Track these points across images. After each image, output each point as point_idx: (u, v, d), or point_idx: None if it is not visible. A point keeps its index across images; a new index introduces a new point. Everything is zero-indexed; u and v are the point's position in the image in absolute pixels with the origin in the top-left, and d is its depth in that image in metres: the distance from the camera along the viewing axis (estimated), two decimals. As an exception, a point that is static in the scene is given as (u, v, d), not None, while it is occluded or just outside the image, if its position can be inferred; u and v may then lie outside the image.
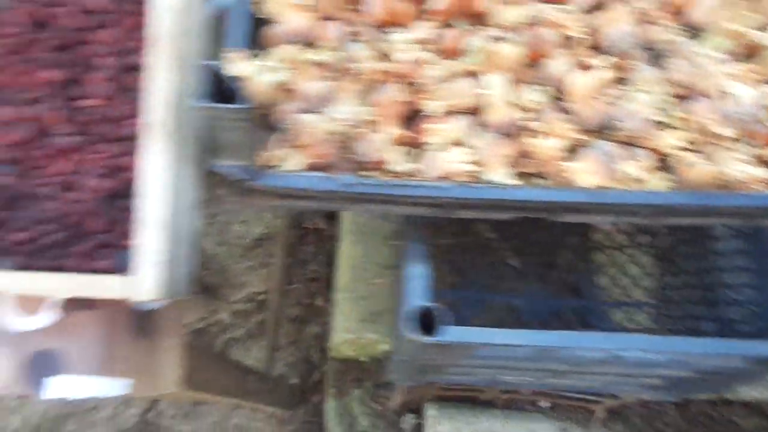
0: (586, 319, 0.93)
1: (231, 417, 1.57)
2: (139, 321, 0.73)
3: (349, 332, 1.41)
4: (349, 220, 1.52)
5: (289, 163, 0.63)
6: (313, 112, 0.64)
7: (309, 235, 1.69)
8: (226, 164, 0.61)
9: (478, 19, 0.69)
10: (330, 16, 0.68)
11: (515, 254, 0.91)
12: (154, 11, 0.61)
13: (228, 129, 0.57)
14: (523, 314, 0.90)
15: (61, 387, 0.66)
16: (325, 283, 1.65)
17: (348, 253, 1.47)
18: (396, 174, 0.64)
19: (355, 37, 0.67)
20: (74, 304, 0.68)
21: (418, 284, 0.60)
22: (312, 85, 0.64)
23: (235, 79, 0.54)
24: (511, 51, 0.65)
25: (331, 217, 1.66)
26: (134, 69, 0.68)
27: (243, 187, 0.63)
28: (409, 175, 0.65)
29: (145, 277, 0.59)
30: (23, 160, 0.68)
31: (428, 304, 0.58)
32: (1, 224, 0.67)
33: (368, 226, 1.50)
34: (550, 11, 0.68)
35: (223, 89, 0.53)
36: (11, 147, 0.68)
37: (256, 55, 0.64)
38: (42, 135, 0.68)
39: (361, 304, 1.43)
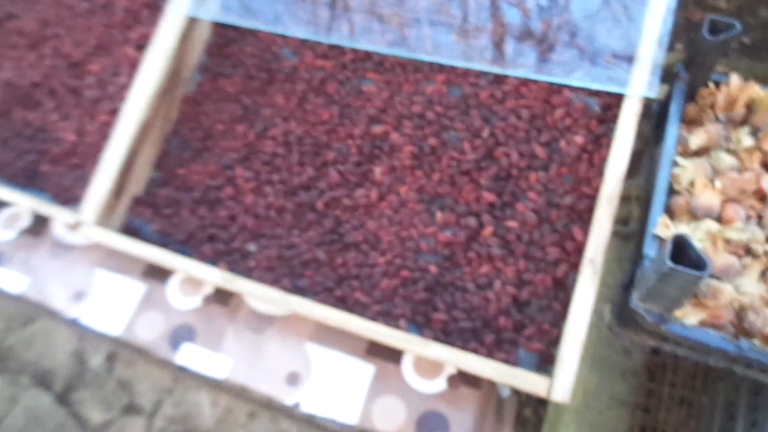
0: None
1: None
2: (498, 407, 0.86)
3: (569, 455, 1.44)
4: (589, 347, 1.58)
5: (687, 317, 0.75)
6: (718, 278, 0.76)
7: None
8: (643, 305, 0.73)
9: None
10: (734, 200, 0.80)
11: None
12: (608, 176, 0.78)
13: (664, 281, 0.70)
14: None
15: (441, 447, 0.80)
16: (536, 397, 1.70)
17: (582, 377, 1.52)
18: (779, 348, 0.73)
19: (757, 220, 0.79)
20: (461, 380, 0.83)
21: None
22: (721, 257, 0.76)
23: (695, 247, 0.67)
24: None
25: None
26: (555, 207, 0.85)
27: (646, 327, 0.75)
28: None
29: (564, 382, 0.72)
30: (452, 256, 0.87)
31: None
32: (426, 303, 0.85)
33: (610, 359, 1.55)
34: None
35: (680, 252, 0.66)
36: (445, 244, 0.87)
37: (674, 222, 0.78)
38: (471, 240, 0.87)
39: (586, 430, 1.46)
